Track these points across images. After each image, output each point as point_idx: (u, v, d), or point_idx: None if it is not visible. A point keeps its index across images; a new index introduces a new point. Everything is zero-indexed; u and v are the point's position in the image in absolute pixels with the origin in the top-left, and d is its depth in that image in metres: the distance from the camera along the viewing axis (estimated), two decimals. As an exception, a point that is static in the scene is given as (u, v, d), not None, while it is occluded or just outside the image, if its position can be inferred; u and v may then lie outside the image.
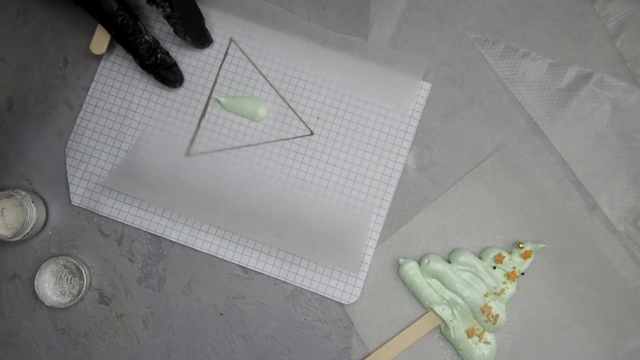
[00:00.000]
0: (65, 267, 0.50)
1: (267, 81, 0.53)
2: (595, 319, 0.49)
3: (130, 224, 0.51)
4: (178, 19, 0.49)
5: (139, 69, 0.51)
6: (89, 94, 0.53)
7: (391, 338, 0.49)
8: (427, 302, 0.49)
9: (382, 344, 0.49)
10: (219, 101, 0.52)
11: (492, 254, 0.49)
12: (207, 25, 0.52)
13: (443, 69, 0.53)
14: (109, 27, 0.48)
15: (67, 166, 0.52)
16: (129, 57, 0.52)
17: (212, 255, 0.51)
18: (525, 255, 0.49)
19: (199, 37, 0.52)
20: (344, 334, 0.50)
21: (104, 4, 0.47)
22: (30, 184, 0.52)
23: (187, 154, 0.52)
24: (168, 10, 0.48)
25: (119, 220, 0.51)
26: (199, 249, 0.51)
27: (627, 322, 0.49)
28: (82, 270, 0.49)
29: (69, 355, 0.51)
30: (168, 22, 0.50)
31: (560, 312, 0.50)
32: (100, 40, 0.51)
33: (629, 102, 0.51)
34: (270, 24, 0.53)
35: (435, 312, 0.49)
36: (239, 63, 0.53)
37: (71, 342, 0.51)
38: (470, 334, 0.48)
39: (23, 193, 0.49)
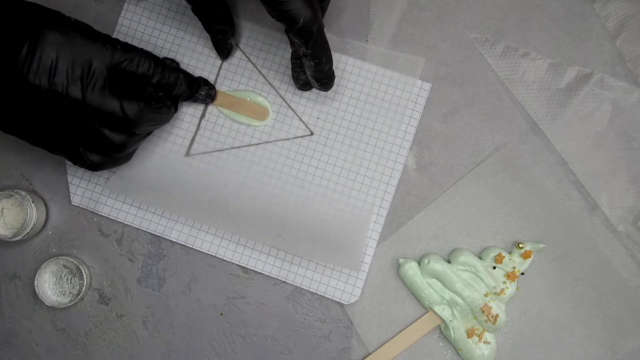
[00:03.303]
0: (65, 267, 0.50)
1: (267, 81, 0.53)
2: (595, 319, 0.49)
3: (130, 224, 0.51)
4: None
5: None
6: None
7: (391, 338, 0.49)
8: (427, 302, 0.49)
9: (382, 344, 0.49)
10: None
11: (492, 254, 0.49)
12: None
13: (443, 69, 0.53)
14: None
15: (67, 166, 0.52)
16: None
17: (212, 255, 0.51)
18: (525, 255, 0.49)
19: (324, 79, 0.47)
20: (344, 334, 0.50)
21: None
22: (30, 184, 0.52)
23: (187, 154, 0.52)
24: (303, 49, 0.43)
25: (119, 220, 0.51)
26: (199, 249, 0.51)
27: (627, 322, 0.49)
28: (82, 270, 0.49)
29: (69, 355, 0.51)
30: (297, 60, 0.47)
31: (560, 312, 0.50)
32: None
33: (629, 102, 0.51)
34: (271, 25, 0.53)
35: (435, 312, 0.49)
36: (239, 63, 0.53)
37: (71, 342, 0.51)
38: (470, 333, 0.48)
39: (23, 193, 0.49)
